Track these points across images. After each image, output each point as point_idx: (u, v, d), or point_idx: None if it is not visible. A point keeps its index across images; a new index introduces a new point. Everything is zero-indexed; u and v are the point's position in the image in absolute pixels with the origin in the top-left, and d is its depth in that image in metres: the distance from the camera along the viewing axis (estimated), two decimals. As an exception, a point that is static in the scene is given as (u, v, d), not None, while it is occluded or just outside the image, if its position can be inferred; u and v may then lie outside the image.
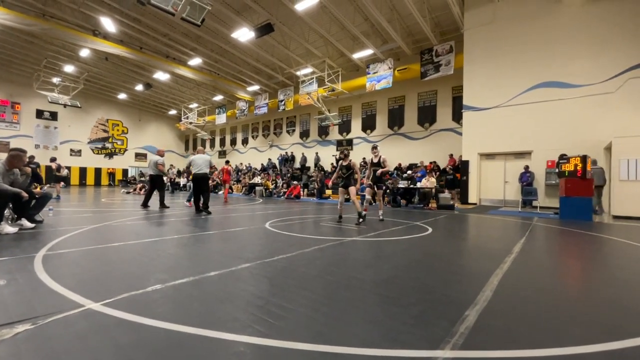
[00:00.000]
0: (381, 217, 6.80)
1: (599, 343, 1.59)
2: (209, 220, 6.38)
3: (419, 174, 11.87)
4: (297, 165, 21.61)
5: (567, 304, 2.18)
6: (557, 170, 9.75)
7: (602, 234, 5.55)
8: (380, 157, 6.66)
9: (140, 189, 16.72)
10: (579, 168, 7.65)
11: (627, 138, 8.30)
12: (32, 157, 9.97)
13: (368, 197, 6.99)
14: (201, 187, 7.70)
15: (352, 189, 6.25)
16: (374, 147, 6.85)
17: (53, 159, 12.31)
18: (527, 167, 11.10)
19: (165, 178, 9.17)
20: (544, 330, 1.73)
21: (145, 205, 8.30)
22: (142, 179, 23.88)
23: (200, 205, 7.67)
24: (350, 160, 6.41)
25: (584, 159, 7.63)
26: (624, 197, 8.17)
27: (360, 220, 6.13)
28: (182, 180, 22.81)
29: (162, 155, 8.79)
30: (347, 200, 7.09)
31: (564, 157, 8.23)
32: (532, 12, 11.03)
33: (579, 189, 7.64)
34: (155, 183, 8.56)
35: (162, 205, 8.31)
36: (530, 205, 10.84)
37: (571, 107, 10.30)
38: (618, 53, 9.62)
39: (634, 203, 8.01)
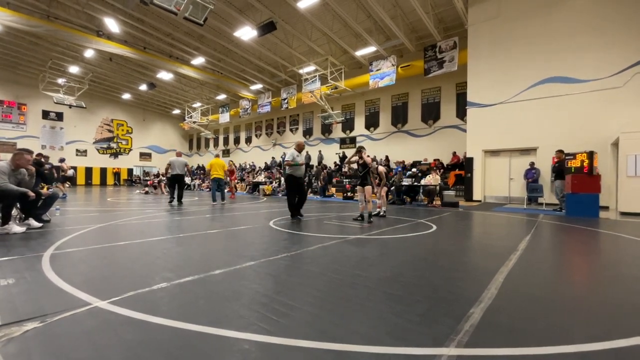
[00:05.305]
0: (382, 213, 7.02)
1: (605, 341, 1.57)
2: (213, 219, 6.42)
3: (399, 169, 11.85)
4: (301, 163, 21.59)
5: (573, 302, 2.17)
6: (552, 165, 9.64)
7: (608, 230, 5.49)
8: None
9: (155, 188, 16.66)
10: (585, 164, 7.56)
11: (634, 133, 8.17)
12: (46, 158, 10.13)
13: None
14: (300, 189, 6.54)
15: (368, 189, 6.13)
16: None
17: (62, 160, 12.49)
18: (532, 164, 10.99)
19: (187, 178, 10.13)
20: (549, 327, 1.71)
21: (172, 200, 9.65)
22: (147, 178, 24.05)
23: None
24: (365, 158, 6.17)
25: (590, 155, 7.54)
26: (631, 194, 8.06)
27: (359, 218, 6.20)
28: (187, 179, 22.95)
29: (181, 157, 10.18)
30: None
31: (567, 155, 8.13)
32: (538, 6, 10.88)
33: (585, 185, 7.56)
34: (180, 182, 9.74)
35: (180, 202, 9.57)
36: (535, 202, 10.74)
37: (577, 103, 10.16)
38: (626, 47, 9.46)
39: (641, 199, 7.91)
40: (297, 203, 6.48)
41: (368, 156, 6.37)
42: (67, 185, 12.13)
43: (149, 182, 17.80)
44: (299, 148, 6.59)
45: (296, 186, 6.48)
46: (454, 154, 14.96)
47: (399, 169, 12.44)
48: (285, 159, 6.47)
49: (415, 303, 2.04)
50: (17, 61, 21.44)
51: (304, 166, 6.58)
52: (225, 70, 20.23)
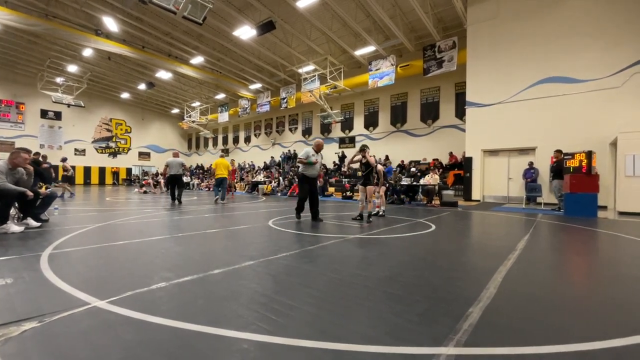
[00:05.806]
0: (381, 213, 7.07)
1: (603, 340, 1.58)
2: (212, 218, 6.41)
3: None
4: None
5: (571, 301, 2.17)
6: (551, 165, 9.66)
7: (607, 230, 5.51)
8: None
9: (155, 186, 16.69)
10: (584, 164, 7.58)
11: (633, 133, 8.20)
12: (45, 157, 10.11)
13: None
14: (312, 190, 6.12)
15: (370, 188, 6.12)
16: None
17: (64, 159, 12.46)
18: (531, 164, 11.01)
19: (185, 177, 10.06)
20: (548, 327, 1.72)
21: (174, 199, 9.70)
22: (145, 177, 24.01)
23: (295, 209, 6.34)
24: (369, 157, 6.12)
25: (589, 154, 7.56)
26: (629, 193, 8.08)
27: (359, 218, 6.21)
28: (186, 179, 22.93)
29: (178, 157, 10.20)
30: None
31: (565, 154, 8.15)
32: (537, 7, 10.89)
33: (584, 185, 7.58)
34: (179, 181, 9.87)
35: (179, 201, 9.66)
36: (534, 202, 10.77)
37: (576, 103, 10.18)
38: (624, 47, 9.48)
39: (639, 199, 7.93)
40: (312, 206, 6.08)
41: (371, 156, 6.34)
42: (67, 186, 12.09)
43: (144, 182, 17.75)
44: (317, 147, 6.21)
45: (307, 186, 6.11)
46: (451, 154, 14.98)
47: (393, 169, 12.38)
48: (299, 156, 6.15)
49: (414, 303, 2.04)
50: (15, 60, 21.34)
51: (317, 165, 6.14)
52: (224, 69, 20.19)
